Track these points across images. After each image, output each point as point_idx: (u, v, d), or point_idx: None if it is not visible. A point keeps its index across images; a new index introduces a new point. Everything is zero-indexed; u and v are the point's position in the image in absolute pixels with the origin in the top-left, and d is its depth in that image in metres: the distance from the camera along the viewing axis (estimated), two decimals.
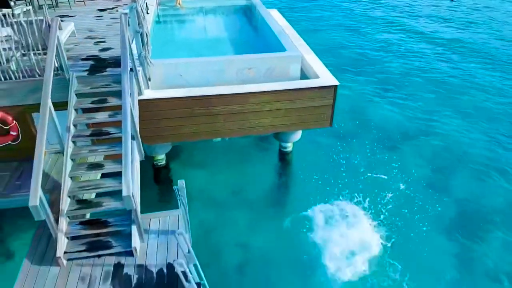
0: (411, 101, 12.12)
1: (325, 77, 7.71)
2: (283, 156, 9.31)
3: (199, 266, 5.20)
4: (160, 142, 7.82)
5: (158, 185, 8.60)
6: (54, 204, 5.79)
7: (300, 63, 7.98)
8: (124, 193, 4.95)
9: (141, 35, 6.80)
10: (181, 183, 5.42)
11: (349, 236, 7.17)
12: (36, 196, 4.77)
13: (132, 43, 6.70)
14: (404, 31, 18.34)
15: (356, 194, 8.09)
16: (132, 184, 5.08)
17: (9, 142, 7.10)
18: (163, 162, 8.73)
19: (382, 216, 7.62)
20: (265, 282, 6.55)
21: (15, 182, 6.98)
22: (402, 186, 8.38)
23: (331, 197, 8.05)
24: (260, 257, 6.93)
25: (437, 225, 7.61)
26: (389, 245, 7.06)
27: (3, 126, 6.94)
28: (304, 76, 8.15)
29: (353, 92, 12.52)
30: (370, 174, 8.69)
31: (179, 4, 11.59)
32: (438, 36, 17.69)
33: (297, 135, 8.83)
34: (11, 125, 6.96)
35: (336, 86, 7.55)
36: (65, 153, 5.88)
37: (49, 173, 6.90)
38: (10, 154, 7.31)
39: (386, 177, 8.64)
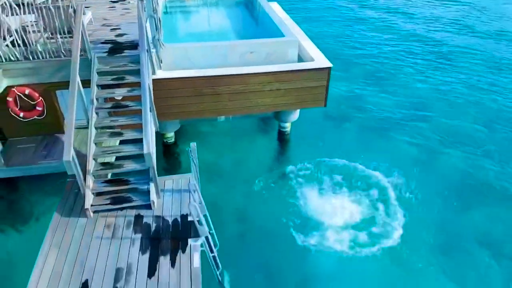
0: (403, 88, 12.93)
1: (320, 60, 8.51)
2: (282, 136, 10.11)
3: (209, 217, 6.01)
4: (170, 119, 8.60)
5: (168, 160, 9.40)
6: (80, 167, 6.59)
7: (297, 47, 8.79)
8: (145, 151, 5.77)
9: (155, 20, 7.60)
10: (193, 145, 6.23)
11: (337, 200, 8.00)
12: (69, 153, 5.57)
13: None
14: (398, 25, 19.17)
15: (346, 168, 8.93)
16: (151, 145, 5.89)
17: (35, 116, 7.90)
18: (172, 139, 9.52)
19: (369, 186, 8.45)
20: (262, 239, 7.33)
21: (41, 152, 7.82)
22: (389, 165, 9.19)
23: (324, 173, 8.85)
24: (258, 219, 7.73)
25: (422, 194, 8.40)
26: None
27: (30, 101, 7.75)
28: (301, 60, 8.95)
29: (348, 81, 13.33)
30: (359, 154, 9.47)
31: None
32: (429, 31, 18.50)
33: (295, 115, 9.63)
34: (37, 101, 7.76)
35: (330, 68, 8.36)
36: (90, 122, 6.66)
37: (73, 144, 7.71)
38: (35, 128, 8.12)
39: (375, 156, 9.44)
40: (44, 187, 8.05)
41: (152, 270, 5.17)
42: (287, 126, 9.99)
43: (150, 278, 5.06)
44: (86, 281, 5.04)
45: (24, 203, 8.03)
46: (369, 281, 6.67)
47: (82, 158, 6.42)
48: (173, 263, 5.27)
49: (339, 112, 11.39)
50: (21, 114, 7.78)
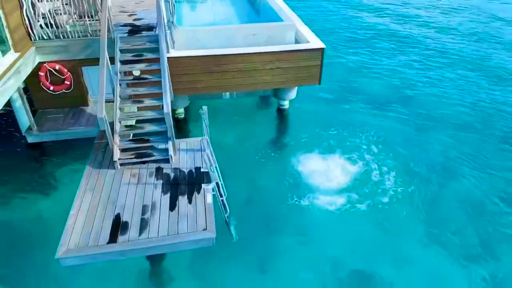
0: (395, 73, 13.99)
1: (314, 42, 9.57)
2: (281, 113, 11.16)
3: (218, 170, 7.04)
4: (181, 94, 9.61)
5: (179, 133, 10.43)
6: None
7: (294, 31, 9.86)
8: (165, 111, 6.84)
9: (170, 4, 8.65)
10: (204, 108, 7.29)
11: (329, 165, 9.07)
12: (102, 111, 6.64)
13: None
14: (394, 15, 20.26)
15: (337, 139, 10.00)
16: (170, 108, 6.96)
17: (63, 90, 8.97)
18: (182, 115, 10.58)
19: (356, 154, 9.52)
20: (263, 195, 8.36)
21: (69, 121, 8.88)
22: (377, 136, 10.26)
23: (319, 143, 9.91)
24: (259, 180, 8.77)
25: (403, 159, 9.46)
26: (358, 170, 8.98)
27: (59, 76, 8.80)
28: (297, 42, 10.00)
29: (343, 65, 14.41)
30: (352, 128, 10.53)
31: None
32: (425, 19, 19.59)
33: (293, 93, 10.69)
34: (65, 76, 8.83)
35: (323, 48, 9.42)
36: (115, 91, 7.70)
37: None
38: (63, 101, 9.19)
39: (364, 129, 10.51)
40: (70, 152, 9.08)
41: (172, 206, 6.22)
42: (286, 104, 11.05)
43: (171, 211, 6.12)
44: (118, 214, 6.10)
45: (54, 165, 9.07)
46: (354, 226, 7.72)
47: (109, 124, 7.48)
48: (190, 201, 6.33)
49: (334, 93, 12.43)
50: (51, 88, 8.86)
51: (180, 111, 10.50)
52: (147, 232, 5.76)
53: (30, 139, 8.57)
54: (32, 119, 8.59)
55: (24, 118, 8.80)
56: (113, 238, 5.63)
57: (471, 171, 9.28)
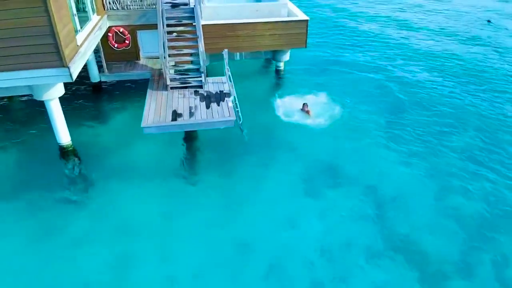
0: (371, 52, 17.75)
1: (301, 16, 13.34)
2: (278, 72, 14.92)
3: (236, 99, 10.69)
4: (206, 52, 13.32)
5: None
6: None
7: (286, 8, 13.67)
8: (200, 49, 10.59)
9: None
10: (225, 50, 11.00)
11: (306, 100, 12.78)
12: (162, 49, 10.38)
13: None
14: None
15: (317, 87, 13.74)
16: (202, 53, 10.71)
17: (124, 47, 12.70)
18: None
19: (329, 98, 13.24)
20: (262, 117, 12.04)
21: (128, 68, 12.61)
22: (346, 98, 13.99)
23: (306, 91, 13.62)
24: (262, 112, 12.46)
25: (361, 101, 13.16)
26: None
27: (122, 36, 12.54)
28: (289, 15, 13.77)
29: (328, 45, 18.20)
30: (327, 84, 14.27)
31: None
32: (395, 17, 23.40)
33: (287, 56, 14.44)
34: (126, 36, 12.56)
35: (307, 20, 13.17)
36: (164, 44, 11.40)
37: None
38: (123, 56, 12.91)
39: (337, 87, 14.25)
40: (129, 90, 12.84)
41: (207, 107, 9.97)
42: (281, 65, 14.80)
43: (207, 109, 9.86)
44: (175, 110, 9.83)
45: (121, 98, 12.85)
46: (324, 137, 11.37)
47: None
48: (218, 104, 10.08)
49: (318, 64, 16.21)
50: (116, 45, 12.60)
51: None
52: (194, 117, 9.50)
53: (103, 78, 12.40)
54: (105, 65, 12.36)
55: (94, 69, 12.64)
56: (174, 119, 9.37)
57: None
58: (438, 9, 25.06)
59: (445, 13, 24.13)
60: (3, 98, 12.82)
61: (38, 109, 11.87)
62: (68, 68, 8.37)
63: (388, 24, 21.76)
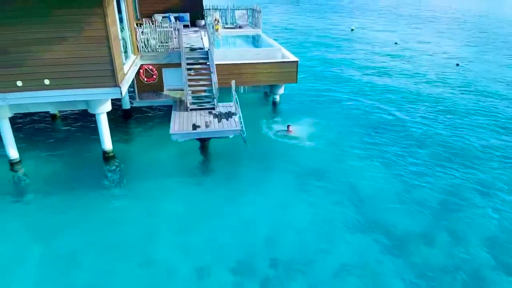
0: (351, 88, 21.12)
1: (292, 58, 16.78)
2: (274, 103, 18.11)
3: (241, 117, 13.72)
4: (218, 85, 16.54)
5: None
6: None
7: (281, 52, 17.15)
8: (213, 80, 13.77)
9: (212, 38, 15.93)
10: (233, 81, 14.17)
11: (296, 127, 15.75)
12: (185, 79, 13.58)
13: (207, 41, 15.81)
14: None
15: (307, 117, 16.81)
16: (215, 84, 13.92)
17: (152, 81, 15.96)
18: None
19: (316, 123, 16.24)
20: (259, 136, 14.95)
21: (155, 96, 15.79)
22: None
23: (295, 116, 16.67)
24: (259, 134, 15.38)
25: (340, 126, 16.15)
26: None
27: (150, 72, 15.83)
28: (283, 57, 17.20)
29: (317, 83, 21.62)
30: (314, 113, 17.39)
31: (217, 30, 20.92)
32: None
33: (282, 90, 17.68)
34: (154, 72, 15.86)
35: (297, 61, 16.57)
36: (185, 79, 14.60)
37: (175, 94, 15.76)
38: (150, 87, 16.14)
39: (322, 116, 17.35)
40: (160, 114, 15.90)
41: (219, 121, 12.93)
42: (277, 98, 18.02)
43: (219, 123, 12.81)
44: (194, 123, 12.77)
45: (147, 119, 15.87)
46: (311, 156, 14.20)
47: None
48: (227, 120, 13.05)
49: (308, 97, 19.50)
50: (145, 79, 15.86)
51: None
52: (209, 128, 12.43)
53: (135, 105, 15.55)
54: (137, 94, 15.53)
55: (126, 97, 15.82)
56: (193, 129, 12.30)
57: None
58: (414, 55, 28.99)
59: (420, 57, 28.00)
60: (46, 115, 15.95)
61: (79, 123, 14.88)
62: (120, 87, 11.46)
63: (368, 69, 25.46)
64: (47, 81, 11.10)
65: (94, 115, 12.35)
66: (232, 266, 8.91)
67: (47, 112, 16.49)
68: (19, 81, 11.02)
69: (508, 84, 22.35)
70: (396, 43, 33.94)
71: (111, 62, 11.16)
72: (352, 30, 39.84)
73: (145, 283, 8.48)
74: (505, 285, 8.55)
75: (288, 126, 15.19)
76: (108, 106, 12.31)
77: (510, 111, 18.16)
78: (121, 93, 11.53)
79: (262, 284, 8.48)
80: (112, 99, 12.66)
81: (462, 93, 20.67)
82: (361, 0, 77.17)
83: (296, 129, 15.35)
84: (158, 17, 20.84)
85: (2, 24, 10.39)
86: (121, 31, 12.98)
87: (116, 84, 11.42)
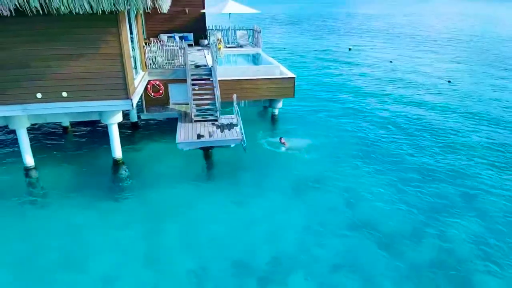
0: (344, 104, 22.23)
1: (290, 74, 17.91)
2: (273, 117, 19.16)
3: (242, 128, 14.73)
4: (221, 100, 17.63)
5: None
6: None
7: (279, 69, 18.29)
8: (216, 93, 14.84)
9: (215, 56, 17.11)
10: (234, 95, 15.22)
11: (292, 140, 16.75)
12: (191, 94, 14.65)
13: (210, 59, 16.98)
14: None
15: (302, 130, 17.82)
16: (218, 98, 15.00)
17: (158, 95, 17.03)
18: None
19: (309, 135, 17.24)
20: (257, 148, 15.92)
21: (161, 109, 16.84)
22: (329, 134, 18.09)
23: (290, 132, 17.69)
24: (257, 144, 16.37)
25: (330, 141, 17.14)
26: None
27: (157, 87, 16.93)
28: (281, 74, 18.34)
29: (315, 99, 22.73)
30: (310, 127, 18.42)
31: (219, 49, 22.17)
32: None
33: (280, 104, 18.75)
34: (160, 87, 16.96)
35: (294, 77, 17.70)
36: (190, 93, 15.70)
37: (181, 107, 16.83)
38: (157, 101, 17.20)
39: (318, 130, 18.38)
40: (165, 127, 16.92)
41: (221, 131, 13.91)
42: (276, 111, 19.07)
43: (221, 133, 13.79)
44: (198, 133, 13.75)
45: (153, 130, 16.86)
46: (301, 165, 15.14)
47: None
48: (229, 130, 14.03)
49: (305, 112, 20.58)
50: (152, 94, 16.93)
51: None
52: (212, 137, 13.40)
53: (143, 117, 16.59)
54: (145, 108, 16.60)
55: (133, 111, 16.89)
56: (198, 138, 13.27)
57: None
58: (407, 72, 30.24)
59: (413, 75, 29.22)
60: (57, 127, 16.96)
61: (89, 135, 15.87)
62: (131, 99, 12.50)
63: (363, 87, 26.64)
64: (64, 94, 12.16)
65: (102, 128, 13.37)
66: (232, 260, 9.74)
67: (59, 124, 17.53)
68: (39, 93, 12.08)
69: (494, 100, 23.49)
70: (391, 61, 35.31)
71: (124, 76, 12.23)
72: (350, 49, 41.36)
73: (152, 274, 9.30)
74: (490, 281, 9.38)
75: (280, 138, 16.21)
76: (119, 117, 13.33)
77: (489, 124, 19.20)
78: (132, 105, 12.57)
79: (260, 274, 9.31)
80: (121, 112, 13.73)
81: (452, 109, 21.75)
82: (358, 21, 79.44)
83: (293, 140, 16.34)
84: (164, 36, 22.19)
85: (26, 42, 11.52)
86: (132, 49, 14.13)
87: (127, 97, 12.46)
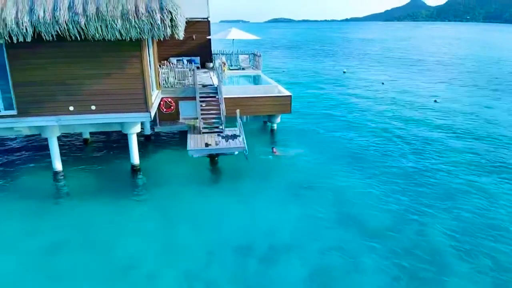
0: (335, 120, 24.31)
1: (287, 93, 20.09)
2: (272, 131, 21.21)
3: (244, 138, 16.75)
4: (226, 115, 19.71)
5: None
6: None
7: (277, 88, 20.48)
8: (221, 108, 16.94)
9: (221, 78, 19.32)
10: (238, 110, 17.30)
11: (288, 150, 18.73)
12: (198, 109, 16.75)
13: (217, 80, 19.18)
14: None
15: (298, 142, 19.82)
16: (223, 112, 17.10)
17: (170, 111, 19.12)
18: None
19: (304, 146, 19.22)
20: (256, 155, 17.87)
21: (173, 123, 18.91)
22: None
23: (287, 143, 19.68)
24: (256, 154, 18.32)
25: (323, 152, 19.10)
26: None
27: (169, 104, 19.03)
28: (279, 92, 20.50)
29: (311, 115, 24.83)
30: (304, 138, 20.42)
31: (224, 71, 24.44)
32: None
33: (278, 119, 20.84)
34: (172, 104, 19.07)
35: (291, 95, 19.85)
36: (198, 109, 17.78)
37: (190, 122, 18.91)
38: (169, 117, 19.28)
39: (312, 145, 20.40)
40: (175, 139, 18.93)
41: (226, 141, 15.91)
42: (275, 126, 21.14)
43: (226, 142, 15.79)
44: (206, 142, 15.74)
45: (164, 142, 18.84)
46: (299, 170, 17.06)
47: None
48: (233, 140, 16.03)
49: (301, 126, 22.64)
50: (164, 110, 19.03)
51: None
52: (218, 146, 15.39)
53: (157, 129, 18.66)
54: (158, 122, 18.67)
55: (147, 125, 18.97)
56: (206, 146, 15.26)
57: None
58: (398, 92, 32.48)
59: (403, 95, 31.44)
60: (79, 137, 19.02)
61: (108, 146, 17.87)
62: (149, 112, 14.57)
63: (356, 106, 28.82)
64: (93, 107, 14.24)
65: (118, 139, 15.34)
66: (235, 250, 11.47)
67: (80, 135, 19.59)
68: (72, 106, 14.16)
69: (475, 116, 25.60)
70: (382, 83, 37.70)
71: (144, 92, 14.35)
72: (344, 72, 43.93)
73: (169, 255, 11.08)
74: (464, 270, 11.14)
75: (272, 148, 18.25)
76: (138, 128, 15.36)
77: (474, 141, 21.22)
78: (150, 116, 14.64)
79: (260, 260, 11.07)
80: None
81: (436, 124, 23.82)
82: (354, 45, 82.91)
83: (289, 151, 18.37)
84: (174, 60, 24.50)
85: (63, 62, 13.70)
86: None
87: (147, 110, 14.54)
